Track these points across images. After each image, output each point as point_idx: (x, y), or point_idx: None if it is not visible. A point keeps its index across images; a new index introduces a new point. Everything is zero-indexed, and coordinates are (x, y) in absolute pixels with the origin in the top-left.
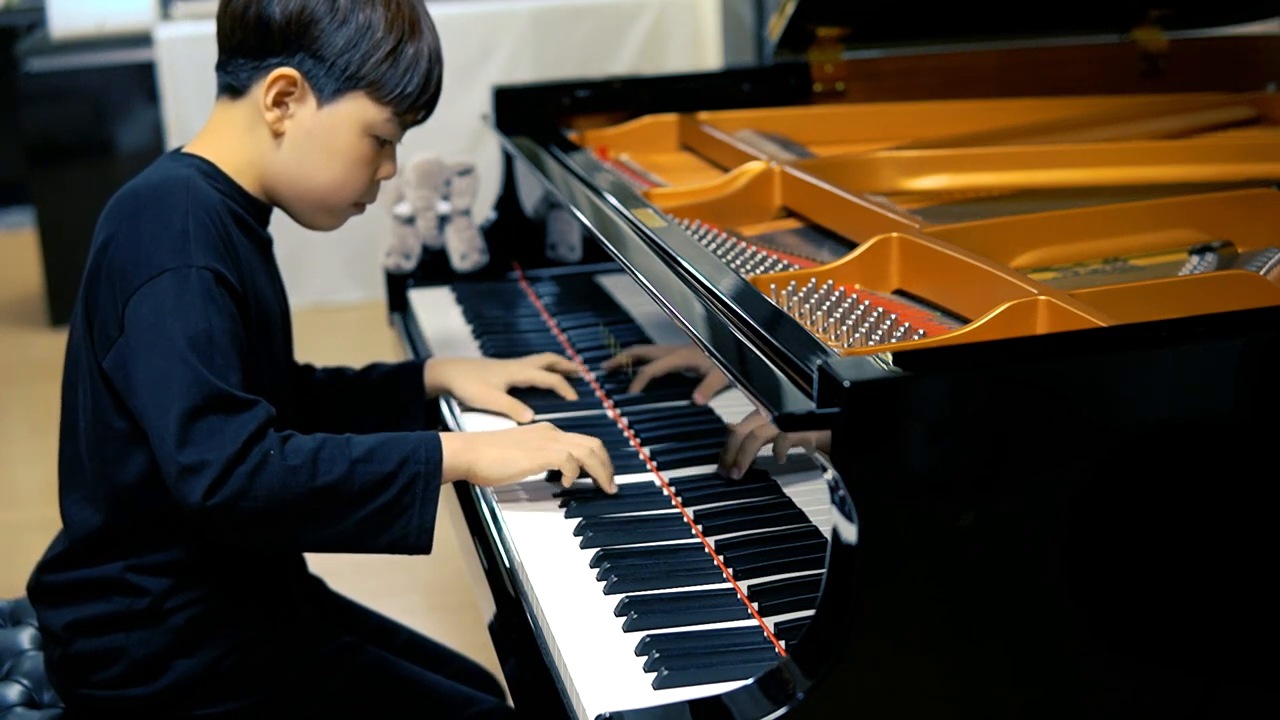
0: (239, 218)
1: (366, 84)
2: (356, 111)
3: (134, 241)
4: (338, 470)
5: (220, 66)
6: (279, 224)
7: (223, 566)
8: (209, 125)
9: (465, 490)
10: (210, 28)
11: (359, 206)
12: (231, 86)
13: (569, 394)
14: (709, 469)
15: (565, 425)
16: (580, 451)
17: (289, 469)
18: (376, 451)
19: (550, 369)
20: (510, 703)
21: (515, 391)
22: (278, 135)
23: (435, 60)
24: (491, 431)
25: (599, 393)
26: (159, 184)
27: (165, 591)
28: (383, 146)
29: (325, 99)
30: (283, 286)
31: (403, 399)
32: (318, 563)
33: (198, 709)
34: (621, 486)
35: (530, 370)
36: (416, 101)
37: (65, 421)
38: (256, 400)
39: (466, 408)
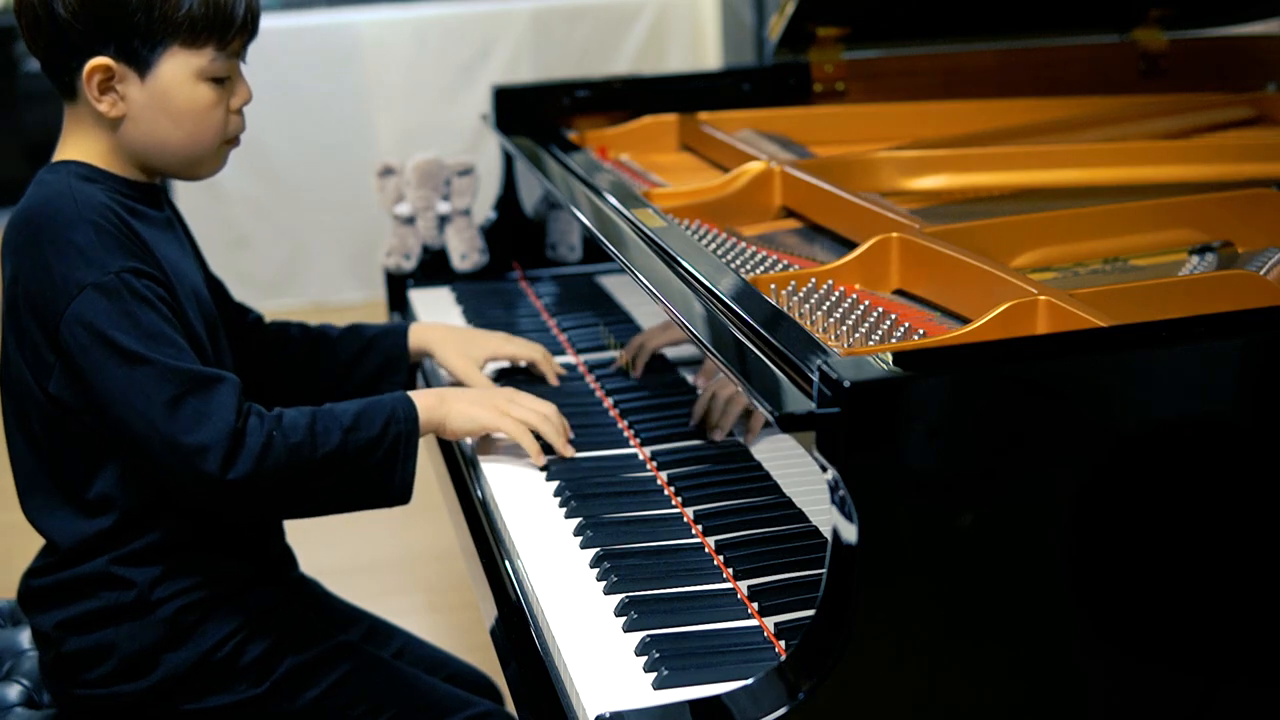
0: (130, 208)
1: (174, 39)
2: (179, 67)
3: (42, 269)
4: (333, 440)
5: (44, 74)
6: (276, 226)
7: (207, 555)
8: (65, 128)
9: (466, 491)
10: None
11: (231, 142)
12: (61, 90)
13: (551, 378)
14: (707, 466)
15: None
16: (534, 418)
17: (292, 446)
18: (361, 417)
19: (535, 361)
20: (508, 706)
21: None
22: (119, 119)
23: None
24: (460, 389)
25: (599, 392)
26: (44, 204)
27: (152, 582)
28: (223, 83)
29: (145, 70)
30: (200, 255)
31: (387, 362)
32: (317, 563)
33: (189, 703)
34: (620, 482)
35: (512, 346)
36: (231, 29)
37: (16, 446)
38: (221, 373)
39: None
